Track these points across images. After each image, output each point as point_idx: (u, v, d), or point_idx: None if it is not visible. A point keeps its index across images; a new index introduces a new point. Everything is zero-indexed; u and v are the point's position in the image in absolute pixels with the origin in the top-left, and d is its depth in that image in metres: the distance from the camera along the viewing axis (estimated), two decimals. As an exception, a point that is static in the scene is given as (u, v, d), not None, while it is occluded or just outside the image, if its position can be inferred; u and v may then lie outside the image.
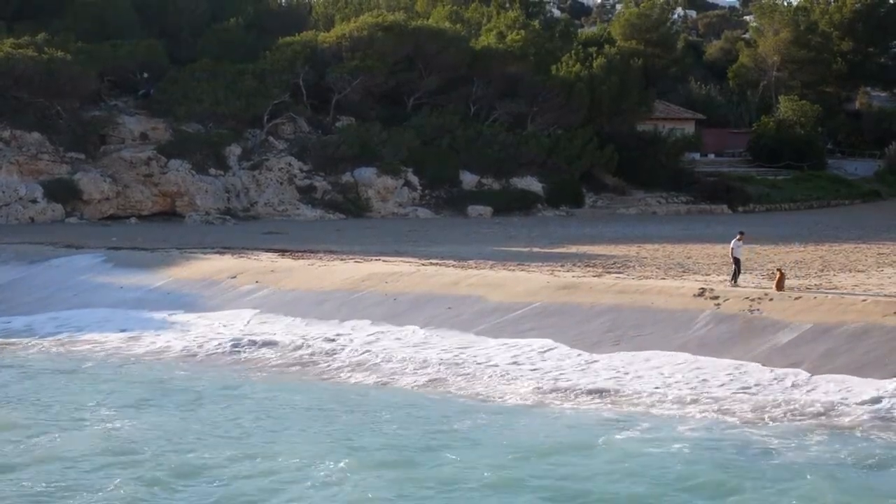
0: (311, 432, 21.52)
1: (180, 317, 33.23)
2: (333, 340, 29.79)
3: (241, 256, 39.67)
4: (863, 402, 22.65)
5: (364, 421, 22.38)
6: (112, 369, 27.89)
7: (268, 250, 41.44)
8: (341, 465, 18.95)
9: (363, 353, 28.48)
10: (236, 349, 29.56)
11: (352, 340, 29.67)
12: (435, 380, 25.92)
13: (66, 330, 32.60)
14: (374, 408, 23.48)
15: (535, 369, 26.28)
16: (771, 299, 27.89)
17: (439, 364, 27.03)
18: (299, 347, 29.42)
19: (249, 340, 30.13)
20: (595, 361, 26.54)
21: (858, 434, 21.15)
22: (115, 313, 34.05)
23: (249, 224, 55.29)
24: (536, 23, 75.72)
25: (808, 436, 20.92)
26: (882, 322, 25.71)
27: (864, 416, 22.04)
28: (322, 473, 18.62)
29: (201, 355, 29.29)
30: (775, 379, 24.36)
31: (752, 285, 29.78)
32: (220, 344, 30.03)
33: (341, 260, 37.98)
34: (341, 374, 26.96)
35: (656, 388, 24.33)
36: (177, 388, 25.53)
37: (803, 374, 24.40)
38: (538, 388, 24.74)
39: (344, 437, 21.09)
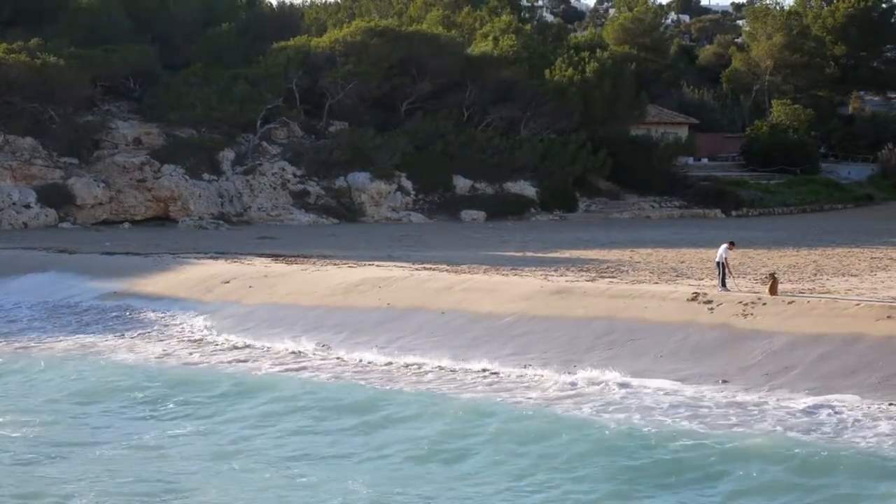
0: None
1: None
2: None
3: (235, 261, 39.63)
4: None
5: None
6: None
7: (261, 255, 41.39)
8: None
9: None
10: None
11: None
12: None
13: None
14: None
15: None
16: (764, 303, 27.90)
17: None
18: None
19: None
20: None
21: None
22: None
23: (243, 229, 55.24)
24: (529, 27, 75.82)
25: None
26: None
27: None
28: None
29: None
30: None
31: (746, 289, 29.79)
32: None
33: (335, 265, 37.95)
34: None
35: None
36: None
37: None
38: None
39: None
